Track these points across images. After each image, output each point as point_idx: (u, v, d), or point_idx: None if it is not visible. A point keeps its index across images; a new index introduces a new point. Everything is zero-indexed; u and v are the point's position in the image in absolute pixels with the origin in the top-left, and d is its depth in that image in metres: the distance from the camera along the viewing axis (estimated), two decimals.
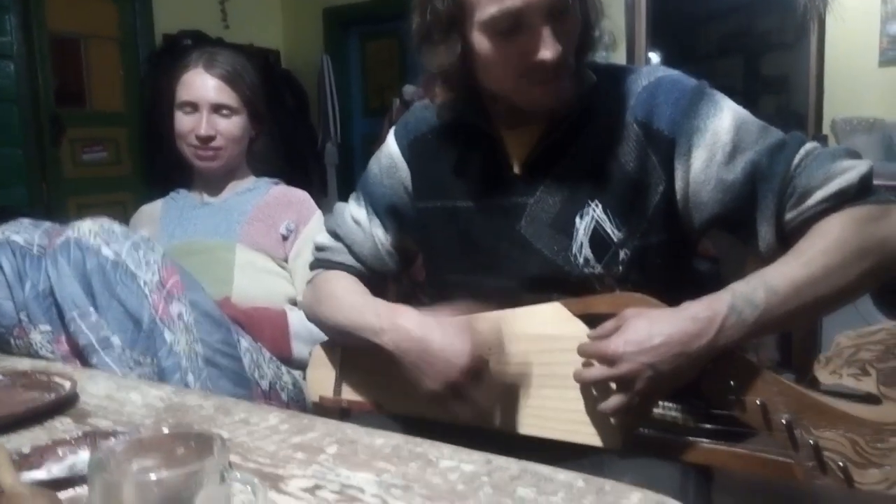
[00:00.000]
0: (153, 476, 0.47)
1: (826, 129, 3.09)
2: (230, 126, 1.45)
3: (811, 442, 0.75)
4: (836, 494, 0.76)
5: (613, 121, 0.92)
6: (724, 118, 0.88)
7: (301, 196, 1.51)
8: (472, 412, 0.87)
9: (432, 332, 0.88)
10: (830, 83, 3.13)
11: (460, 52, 0.88)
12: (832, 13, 3.02)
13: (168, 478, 0.47)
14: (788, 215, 0.86)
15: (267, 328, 1.32)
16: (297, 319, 1.34)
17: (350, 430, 0.77)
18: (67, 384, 0.90)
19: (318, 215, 1.48)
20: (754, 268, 0.82)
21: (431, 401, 0.89)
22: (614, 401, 0.81)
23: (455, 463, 0.66)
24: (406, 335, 0.90)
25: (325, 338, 1.14)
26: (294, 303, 1.43)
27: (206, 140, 1.43)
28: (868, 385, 0.73)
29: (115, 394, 0.92)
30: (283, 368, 1.29)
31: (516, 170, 0.97)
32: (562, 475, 0.62)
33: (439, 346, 0.87)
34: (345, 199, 1.16)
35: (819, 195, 0.83)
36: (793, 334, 2.64)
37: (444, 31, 0.88)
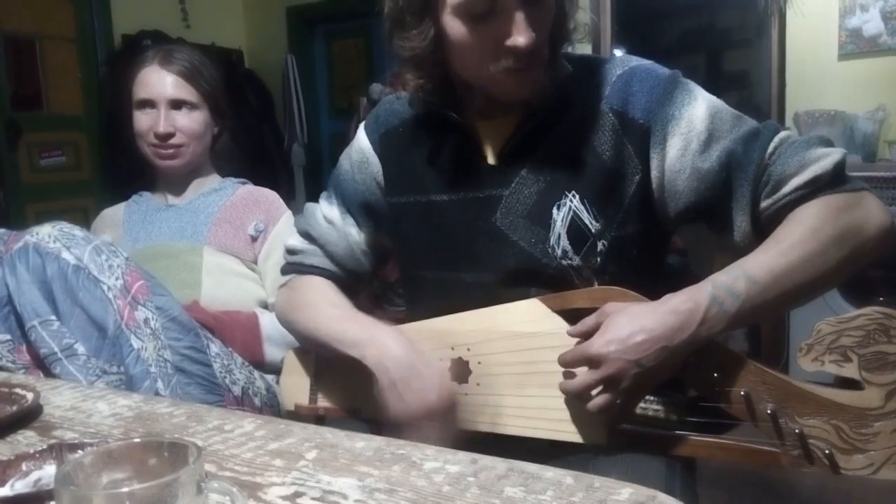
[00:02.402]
0: (125, 488, 0.44)
1: (789, 123, 3.13)
2: (190, 122, 1.41)
3: (796, 430, 0.74)
4: (818, 482, 0.76)
5: (589, 110, 0.91)
6: (699, 107, 0.88)
7: (269, 196, 1.47)
8: (438, 438, 0.83)
9: (414, 354, 0.87)
10: (792, 78, 3.18)
11: (433, 36, 0.86)
12: (792, 8, 3.07)
13: (141, 490, 0.44)
14: (764, 203, 0.86)
15: (238, 332, 1.28)
16: (268, 322, 1.31)
17: (329, 434, 0.74)
18: (30, 395, 0.85)
19: (287, 215, 1.44)
20: (721, 260, 0.82)
21: (399, 423, 0.86)
22: (600, 400, 0.79)
23: (440, 464, 0.64)
24: (389, 352, 0.88)
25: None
26: (265, 306, 1.39)
27: (164, 137, 1.39)
28: (850, 371, 0.73)
29: (80, 404, 0.88)
30: (256, 373, 1.26)
31: (491, 161, 0.95)
32: (550, 473, 0.61)
33: (421, 367, 0.86)
34: (313, 201, 1.13)
35: (794, 182, 0.83)
36: (761, 327, 2.67)
37: (416, 15, 0.86)
